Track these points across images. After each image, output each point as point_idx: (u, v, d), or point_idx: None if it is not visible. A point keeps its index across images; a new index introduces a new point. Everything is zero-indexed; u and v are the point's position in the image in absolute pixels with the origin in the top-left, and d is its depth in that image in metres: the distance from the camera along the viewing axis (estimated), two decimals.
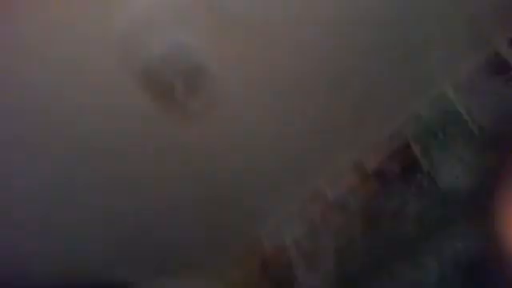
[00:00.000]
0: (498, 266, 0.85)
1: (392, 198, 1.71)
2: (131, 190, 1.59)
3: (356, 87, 1.56)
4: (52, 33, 1.21)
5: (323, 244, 1.86)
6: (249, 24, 1.30)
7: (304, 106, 1.56)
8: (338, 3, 1.36)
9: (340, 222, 1.83)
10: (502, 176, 1.24)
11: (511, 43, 1.51)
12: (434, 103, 1.65)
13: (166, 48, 1.28)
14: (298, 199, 1.92)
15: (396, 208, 1.69)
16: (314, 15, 1.35)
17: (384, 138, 1.74)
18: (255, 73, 1.42)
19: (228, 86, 1.41)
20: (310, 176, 1.84)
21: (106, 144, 1.44)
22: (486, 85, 1.54)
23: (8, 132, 1.32)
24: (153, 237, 1.79)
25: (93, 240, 1.69)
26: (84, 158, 1.47)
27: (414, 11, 1.45)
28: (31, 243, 1.59)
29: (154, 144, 1.48)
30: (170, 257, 1.91)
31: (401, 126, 1.71)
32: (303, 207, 1.92)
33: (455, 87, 1.61)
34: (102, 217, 1.63)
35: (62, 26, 1.20)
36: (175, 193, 1.66)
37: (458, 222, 1.47)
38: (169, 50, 1.28)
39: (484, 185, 1.37)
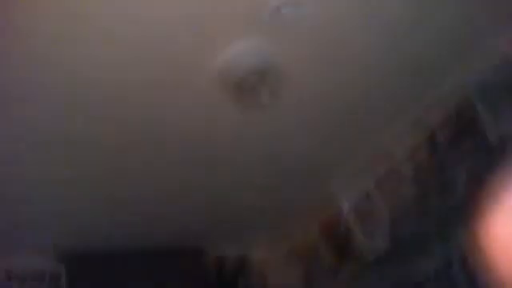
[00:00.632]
0: None
1: (448, 161, 1.71)
2: (208, 163, 1.78)
3: (417, 50, 1.58)
4: None
5: (378, 209, 1.90)
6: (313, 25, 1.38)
7: (368, 69, 1.61)
8: None
9: (394, 187, 1.86)
10: None
11: None
12: (496, 64, 1.60)
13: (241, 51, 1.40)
14: (355, 167, 1.96)
15: (451, 172, 1.69)
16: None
17: (445, 100, 1.72)
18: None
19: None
20: (367, 144, 1.89)
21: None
22: None
23: None
24: (224, 202, 1.96)
25: (169, 205, 1.88)
26: None
27: None
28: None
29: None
30: (237, 221, 2.04)
31: (463, 87, 1.68)
32: (361, 173, 1.96)
33: None
34: (178, 182, 1.83)
35: None
36: (247, 163, 1.83)
37: None
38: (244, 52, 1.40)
39: None
